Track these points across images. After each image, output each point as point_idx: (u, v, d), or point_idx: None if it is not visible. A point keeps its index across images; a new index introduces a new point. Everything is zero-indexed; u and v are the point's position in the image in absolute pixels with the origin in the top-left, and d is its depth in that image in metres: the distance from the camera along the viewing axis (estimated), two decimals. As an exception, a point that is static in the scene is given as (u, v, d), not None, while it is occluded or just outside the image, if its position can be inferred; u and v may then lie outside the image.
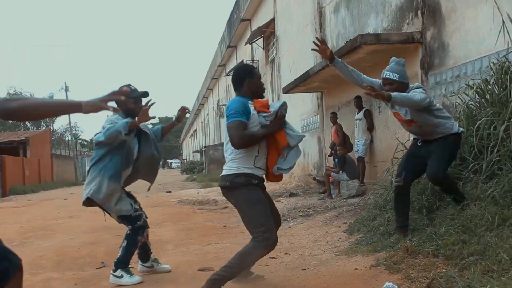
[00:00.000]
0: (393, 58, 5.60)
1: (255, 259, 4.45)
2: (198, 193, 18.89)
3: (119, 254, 5.50)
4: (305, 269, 5.27)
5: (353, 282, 4.44)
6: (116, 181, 5.30)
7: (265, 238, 4.27)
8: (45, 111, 2.83)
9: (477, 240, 4.35)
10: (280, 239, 4.72)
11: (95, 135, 5.29)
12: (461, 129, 5.63)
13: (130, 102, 5.26)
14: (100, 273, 6.08)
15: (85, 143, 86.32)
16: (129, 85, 5.35)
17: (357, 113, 12.72)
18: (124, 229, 8.78)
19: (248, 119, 4.43)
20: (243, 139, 4.35)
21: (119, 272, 5.39)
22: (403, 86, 5.37)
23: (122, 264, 5.43)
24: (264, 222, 4.32)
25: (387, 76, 5.35)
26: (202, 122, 62.77)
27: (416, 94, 5.21)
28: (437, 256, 4.55)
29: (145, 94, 5.41)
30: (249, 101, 4.54)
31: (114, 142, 5.15)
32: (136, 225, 5.40)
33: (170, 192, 21.28)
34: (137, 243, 5.45)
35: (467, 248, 4.30)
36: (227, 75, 35.65)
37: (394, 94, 5.02)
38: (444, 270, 4.13)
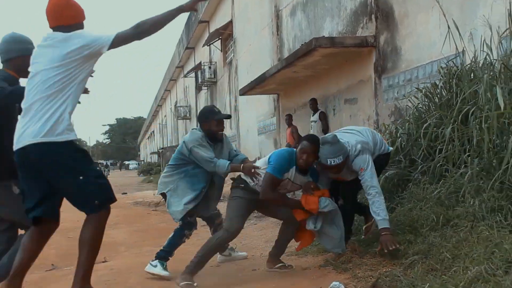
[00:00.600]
0: (323, 138, 5.10)
1: (217, 244, 5.01)
2: (154, 194, 18.67)
3: (163, 245, 5.58)
4: (255, 270, 5.30)
5: (301, 282, 4.50)
6: (191, 186, 5.44)
7: (226, 226, 4.98)
8: (165, 24, 3.80)
9: (422, 240, 4.46)
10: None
11: (183, 145, 5.45)
12: (390, 148, 5.65)
13: (213, 124, 5.42)
14: (49, 275, 5.99)
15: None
16: (213, 106, 5.73)
17: (313, 115, 12.84)
18: (75, 231, 8.65)
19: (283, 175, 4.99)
20: (266, 195, 4.93)
21: (155, 262, 5.41)
22: (345, 161, 5.00)
23: (163, 254, 5.47)
24: (231, 214, 5.00)
25: (333, 164, 4.86)
26: (159, 124, 62.40)
27: (367, 181, 4.93)
28: (383, 255, 4.64)
29: (228, 117, 5.70)
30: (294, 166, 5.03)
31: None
32: (186, 220, 5.46)
33: (126, 193, 21.02)
34: (182, 237, 5.52)
35: (412, 248, 4.40)
36: (185, 76, 35.53)
37: (386, 221, 4.74)
38: (389, 269, 4.22)
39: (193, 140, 5.35)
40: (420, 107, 6.69)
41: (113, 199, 3.84)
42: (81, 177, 3.63)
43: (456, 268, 3.59)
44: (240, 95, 17.74)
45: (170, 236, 5.57)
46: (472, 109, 5.25)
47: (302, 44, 11.59)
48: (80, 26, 3.83)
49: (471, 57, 6.17)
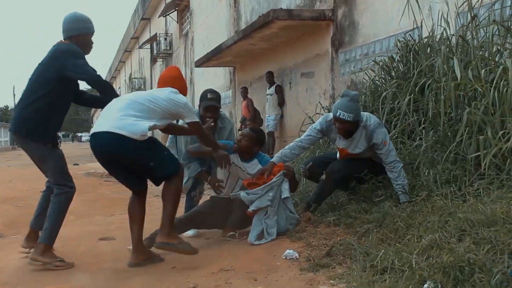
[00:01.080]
0: (346, 91, 5.05)
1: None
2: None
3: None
4: (208, 239, 5.24)
5: (255, 250, 4.44)
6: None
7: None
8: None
9: (377, 210, 4.46)
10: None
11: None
12: None
13: (201, 109, 5.52)
14: (-5, 243, 5.81)
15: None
16: (208, 92, 5.59)
17: (269, 88, 12.78)
18: (24, 201, 8.46)
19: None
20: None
21: None
22: (354, 124, 4.93)
23: None
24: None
25: (341, 117, 4.82)
26: (113, 96, 61.41)
27: (392, 155, 4.84)
28: (338, 225, 4.63)
29: (214, 106, 5.52)
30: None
31: None
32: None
33: (78, 164, 20.69)
34: (193, 198, 5.77)
35: (366, 217, 4.40)
36: (140, 47, 34.96)
37: (404, 197, 4.68)
38: (343, 238, 4.21)
39: (188, 108, 5.40)
40: (377, 80, 6.69)
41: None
42: (151, 163, 4.34)
43: (410, 237, 3.60)
44: (196, 66, 17.52)
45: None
46: (429, 82, 5.25)
47: (259, 16, 11.48)
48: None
49: (429, 31, 6.18)
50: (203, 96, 5.57)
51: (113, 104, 4.41)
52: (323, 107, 7.99)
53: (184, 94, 4.61)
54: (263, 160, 5.23)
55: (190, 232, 5.41)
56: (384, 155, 4.88)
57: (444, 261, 2.93)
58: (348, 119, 4.81)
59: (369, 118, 5.00)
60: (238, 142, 5.19)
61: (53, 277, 4.12)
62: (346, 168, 5.15)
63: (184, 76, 4.99)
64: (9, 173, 16.49)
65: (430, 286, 2.85)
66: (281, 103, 12.66)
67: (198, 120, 4.58)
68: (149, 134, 4.39)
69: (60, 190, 4.61)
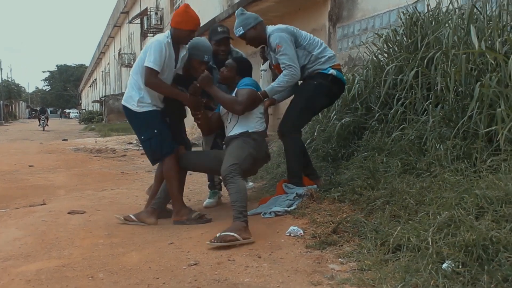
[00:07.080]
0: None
1: None
2: (96, 141, 18.24)
3: None
4: (204, 214, 5.04)
5: (256, 225, 4.21)
6: None
7: None
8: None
9: (384, 186, 4.25)
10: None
11: None
12: (332, 70, 5.11)
13: (214, 43, 5.37)
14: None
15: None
16: (218, 25, 5.65)
17: (262, 64, 12.52)
18: (11, 175, 8.22)
19: None
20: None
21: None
22: (253, 31, 5.02)
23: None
24: None
25: (236, 35, 5.10)
26: (102, 71, 60.87)
27: (281, 58, 4.90)
28: (343, 201, 4.41)
29: (226, 38, 5.43)
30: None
31: None
32: None
33: (66, 140, 20.45)
34: None
35: (373, 193, 4.19)
36: (129, 22, 34.48)
37: (268, 88, 4.97)
38: (350, 215, 4.01)
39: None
40: (379, 54, 6.46)
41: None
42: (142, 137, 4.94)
43: (423, 214, 3.40)
44: (188, 42, 17.22)
45: None
46: (437, 54, 5.01)
47: (255, -11, 11.22)
48: None
49: (436, 2, 5.95)
50: (214, 31, 5.47)
51: None
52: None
53: (181, 27, 4.76)
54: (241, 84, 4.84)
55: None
56: (280, 60, 4.91)
57: (466, 239, 2.73)
58: (240, 32, 5.01)
59: (271, 27, 5.06)
60: (221, 73, 4.92)
61: (44, 251, 3.91)
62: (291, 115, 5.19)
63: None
64: (-4, 148, 16.21)
65: (450, 266, 2.66)
66: (275, 79, 12.40)
67: (151, 66, 4.56)
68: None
69: None
